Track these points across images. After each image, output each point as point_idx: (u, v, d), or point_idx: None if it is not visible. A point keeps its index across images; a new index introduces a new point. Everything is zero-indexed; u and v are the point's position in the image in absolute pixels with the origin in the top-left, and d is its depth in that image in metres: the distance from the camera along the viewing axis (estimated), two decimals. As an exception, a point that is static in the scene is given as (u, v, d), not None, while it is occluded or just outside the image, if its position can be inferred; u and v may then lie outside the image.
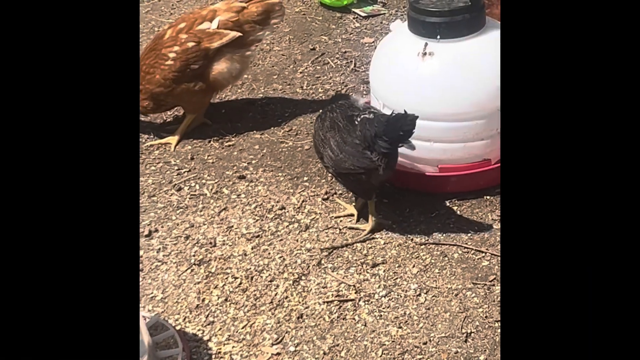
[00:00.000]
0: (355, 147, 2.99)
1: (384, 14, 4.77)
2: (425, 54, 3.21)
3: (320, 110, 3.32)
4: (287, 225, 3.24)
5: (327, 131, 3.13)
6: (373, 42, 4.47)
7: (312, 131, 3.48)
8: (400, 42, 3.36)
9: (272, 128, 3.86)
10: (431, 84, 3.23)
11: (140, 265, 3.09)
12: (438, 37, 3.21)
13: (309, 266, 3.03)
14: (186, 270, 3.06)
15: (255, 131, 3.85)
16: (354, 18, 4.75)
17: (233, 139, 3.81)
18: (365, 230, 3.16)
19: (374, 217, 3.16)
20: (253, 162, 3.64)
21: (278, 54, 4.47)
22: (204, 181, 3.53)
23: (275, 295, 2.92)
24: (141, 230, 3.25)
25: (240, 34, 3.72)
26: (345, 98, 3.30)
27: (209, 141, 3.80)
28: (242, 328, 2.80)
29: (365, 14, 4.76)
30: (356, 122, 3.03)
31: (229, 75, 3.76)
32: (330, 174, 3.29)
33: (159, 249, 3.16)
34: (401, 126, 2.89)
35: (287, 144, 3.73)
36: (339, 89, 4.10)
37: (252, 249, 3.13)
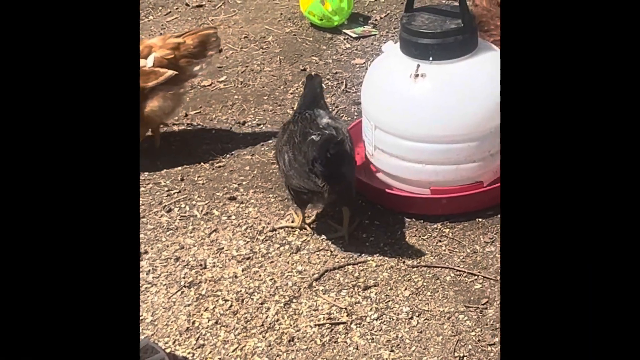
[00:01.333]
0: (302, 167, 3.01)
1: (375, 35, 4.77)
2: (417, 75, 3.21)
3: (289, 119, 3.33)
4: (278, 247, 3.22)
5: (284, 144, 3.15)
6: (364, 63, 4.46)
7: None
8: (392, 63, 3.35)
9: (263, 149, 3.84)
10: (423, 106, 3.22)
11: (130, 287, 3.06)
12: (430, 58, 3.20)
13: (300, 289, 3.00)
14: (176, 292, 3.02)
15: (245, 152, 3.83)
16: (344, 39, 4.75)
17: (223, 160, 3.79)
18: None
19: (346, 230, 3.22)
20: (244, 183, 3.61)
21: (269, 75, 4.46)
22: (194, 202, 3.51)
23: (266, 318, 2.89)
24: (130, 251, 3.22)
25: (176, 72, 3.67)
26: (315, 108, 3.29)
27: (199, 162, 3.78)
28: (233, 351, 2.77)
29: (356, 35, 4.76)
30: (307, 141, 3.04)
31: (161, 113, 3.72)
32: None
33: (149, 270, 3.13)
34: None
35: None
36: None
37: (242, 271, 3.11)
